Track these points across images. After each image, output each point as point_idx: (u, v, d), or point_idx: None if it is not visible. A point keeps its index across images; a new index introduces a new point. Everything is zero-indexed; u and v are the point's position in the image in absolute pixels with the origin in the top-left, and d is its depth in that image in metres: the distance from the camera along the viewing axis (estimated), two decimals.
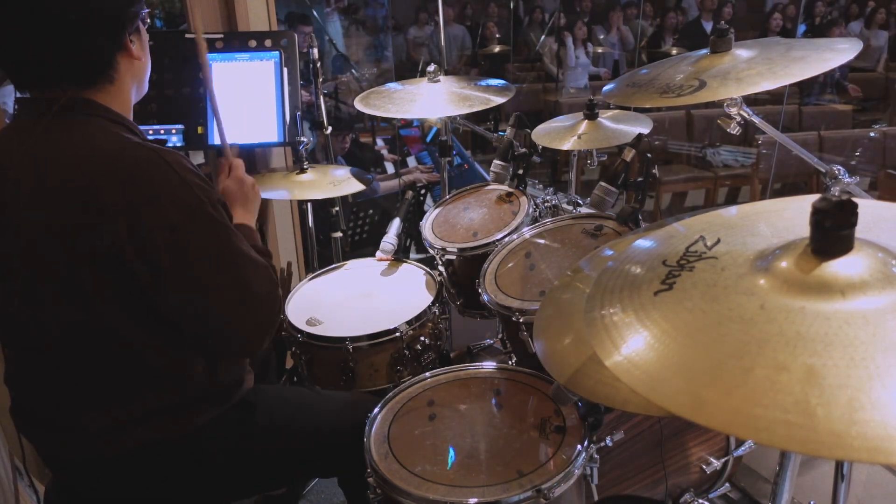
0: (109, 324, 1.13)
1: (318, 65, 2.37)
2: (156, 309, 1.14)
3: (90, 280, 1.10)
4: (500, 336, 2.12)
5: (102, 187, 1.06)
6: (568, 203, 1.97)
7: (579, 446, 1.21)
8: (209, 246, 1.13)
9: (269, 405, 1.37)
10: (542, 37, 6.91)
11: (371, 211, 3.38)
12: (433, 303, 1.80)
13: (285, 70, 2.13)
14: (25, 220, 1.11)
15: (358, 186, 2.16)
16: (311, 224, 2.50)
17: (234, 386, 1.32)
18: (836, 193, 0.64)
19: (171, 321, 1.17)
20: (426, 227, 1.97)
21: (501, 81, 2.13)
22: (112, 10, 1.13)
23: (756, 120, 1.35)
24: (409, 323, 1.71)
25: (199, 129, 2.13)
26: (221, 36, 2.16)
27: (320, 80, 2.38)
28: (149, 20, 1.28)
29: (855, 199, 0.64)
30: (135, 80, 1.23)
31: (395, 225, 2.06)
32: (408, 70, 6.33)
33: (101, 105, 1.16)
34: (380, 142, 4.97)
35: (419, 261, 2.06)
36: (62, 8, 1.07)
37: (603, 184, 1.60)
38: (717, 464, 1.58)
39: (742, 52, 1.27)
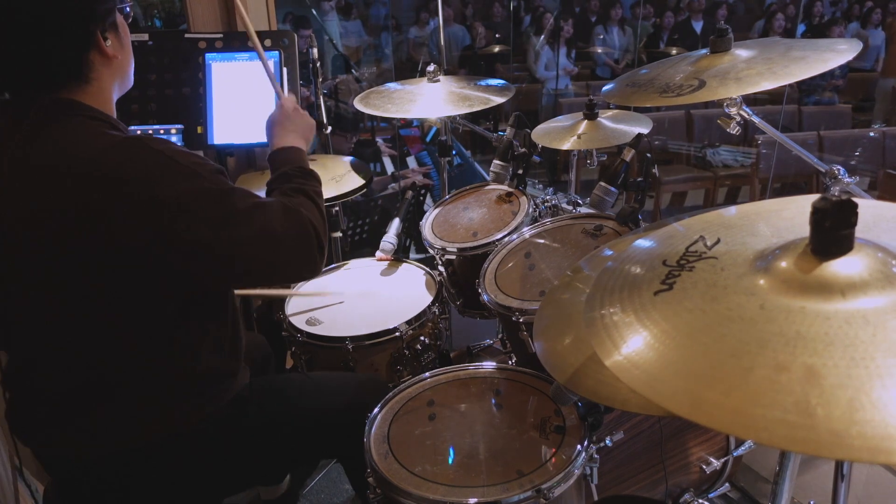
0: (104, 325, 1.13)
1: (318, 65, 2.37)
2: (152, 308, 1.14)
3: (84, 283, 1.09)
4: (500, 336, 2.12)
5: (91, 189, 1.05)
6: (568, 203, 1.97)
7: (579, 446, 1.21)
8: (214, 216, 1.11)
9: (263, 397, 1.38)
10: (542, 37, 6.92)
11: (371, 210, 3.39)
12: (433, 303, 1.80)
13: (285, 70, 2.14)
14: (15, 225, 1.10)
15: (358, 181, 2.16)
16: None
17: (230, 382, 1.32)
18: (836, 193, 0.64)
19: (168, 320, 1.17)
20: (426, 227, 1.97)
21: (501, 81, 2.13)
22: (77, 9, 1.10)
23: (756, 120, 1.35)
24: (409, 323, 1.71)
25: (199, 129, 2.13)
26: (221, 36, 2.16)
27: (320, 80, 2.39)
28: (131, 14, 1.25)
29: (855, 199, 0.64)
30: (115, 77, 1.21)
31: (395, 225, 2.06)
32: (408, 70, 6.33)
33: (81, 104, 1.14)
34: (379, 141, 4.96)
35: (419, 261, 2.06)
36: (22, 9, 1.06)
37: (603, 184, 1.60)
38: (716, 464, 1.58)
39: (742, 52, 1.27)
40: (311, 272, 1.27)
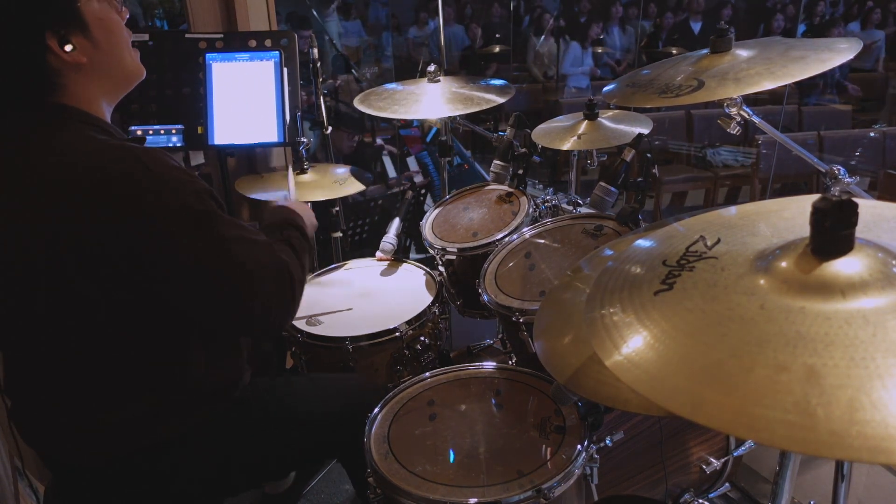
0: (104, 328, 1.13)
1: (318, 65, 2.37)
2: (151, 310, 1.14)
3: (81, 287, 1.09)
4: (500, 336, 2.12)
5: (82, 194, 1.05)
6: (568, 203, 1.97)
7: (579, 446, 1.21)
8: (194, 237, 1.11)
9: (265, 398, 1.38)
10: (542, 37, 6.91)
11: (371, 210, 3.39)
12: (433, 303, 1.80)
13: (285, 70, 2.14)
14: (12, 229, 1.10)
15: (358, 186, 2.16)
16: None
17: (232, 383, 1.32)
18: (836, 193, 0.64)
19: (167, 321, 1.17)
20: (426, 227, 1.97)
21: (501, 81, 2.13)
22: (11, 18, 1.05)
23: (756, 120, 1.35)
24: (409, 323, 1.71)
25: (199, 129, 2.13)
26: (221, 36, 2.16)
27: (320, 80, 2.39)
28: (125, 10, 1.18)
29: (855, 199, 0.64)
30: (95, 80, 1.15)
31: (395, 225, 2.06)
32: (408, 70, 6.33)
33: (72, 108, 1.13)
34: (379, 140, 4.97)
35: (419, 261, 2.06)
36: None
37: (603, 184, 1.60)
38: (716, 464, 1.58)
39: (742, 52, 1.27)
40: (282, 316, 1.22)
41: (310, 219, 1.48)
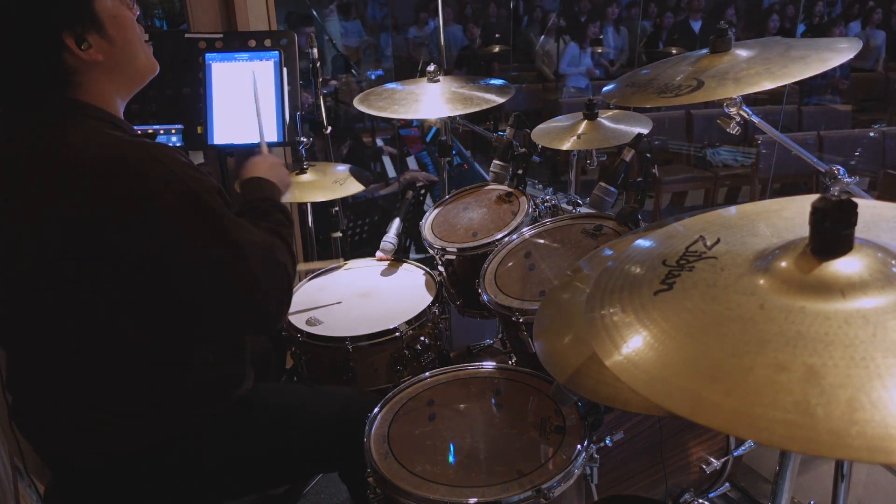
0: (107, 325, 1.13)
1: (318, 65, 2.37)
2: (154, 308, 1.14)
3: (87, 283, 1.10)
4: (499, 336, 2.12)
5: (93, 190, 1.05)
6: (568, 203, 1.97)
7: (579, 446, 1.21)
8: (203, 235, 1.11)
9: (268, 403, 1.38)
10: (542, 37, 6.91)
11: (371, 210, 3.39)
12: (433, 303, 1.80)
13: (285, 70, 2.14)
14: (18, 224, 1.10)
15: (358, 186, 2.16)
16: (310, 224, 2.50)
17: (234, 385, 1.32)
18: (836, 193, 0.64)
19: (170, 320, 1.17)
20: (426, 227, 1.97)
21: (501, 81, 2.13)
22: (29, 19, 1.06)
23: (756, 120, 1.35)
24: (409, 323, 1.71)
25: (199, 129, 2.13)
26: (221, 36, 2.16)
27: (320, 80, 2.39)
28: (136, 9, 1.20)
29: (855, 199, 0.64)
30: (111, 77, 1.17)
31: (395, 225, 2.06)
32: (408, 70, 6.33)
33: (85, 103, 1.14)
34: (379, 142, 4.97)
35: (419, 261, 2.06)
36: None
37: (602, 184, 1.60)
38: (716, 464, 1.58)
39: (742, 52, 1.27)
40: (278, 318, 1.22)
41: (282, 179, 1.45)
